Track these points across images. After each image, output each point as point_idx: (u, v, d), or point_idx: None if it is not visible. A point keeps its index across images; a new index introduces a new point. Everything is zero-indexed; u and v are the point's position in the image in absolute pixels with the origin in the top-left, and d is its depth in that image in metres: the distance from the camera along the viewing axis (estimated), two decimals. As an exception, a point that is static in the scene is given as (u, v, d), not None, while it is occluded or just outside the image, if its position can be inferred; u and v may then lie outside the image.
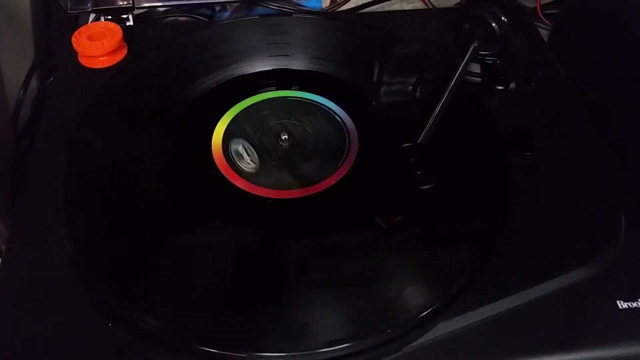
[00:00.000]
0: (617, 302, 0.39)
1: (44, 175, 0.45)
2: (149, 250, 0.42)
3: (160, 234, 0.43)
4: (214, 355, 0.36)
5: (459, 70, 0.50)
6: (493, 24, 0.53)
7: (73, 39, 0.54)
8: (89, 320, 0.37)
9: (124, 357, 0.36)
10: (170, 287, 0.39)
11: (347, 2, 0.69)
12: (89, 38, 0.54)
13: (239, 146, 0.46)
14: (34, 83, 0.60)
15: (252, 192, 0.45)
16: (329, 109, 0.51)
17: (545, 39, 0.62)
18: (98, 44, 0.54)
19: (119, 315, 0.38)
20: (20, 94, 0.58)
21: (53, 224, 0.42)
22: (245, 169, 0.46)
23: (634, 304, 0.39)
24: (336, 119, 0.50)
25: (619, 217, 0.43)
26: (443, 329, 0.37)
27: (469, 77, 0.53)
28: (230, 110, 0.51)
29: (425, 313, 0.37)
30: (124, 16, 0.60)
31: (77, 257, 0.40)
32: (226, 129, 0.49)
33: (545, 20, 0.65)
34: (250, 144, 0.48)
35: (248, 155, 0.46)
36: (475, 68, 0.54)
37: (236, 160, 0.46)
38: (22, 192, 0.45)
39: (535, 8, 0.66)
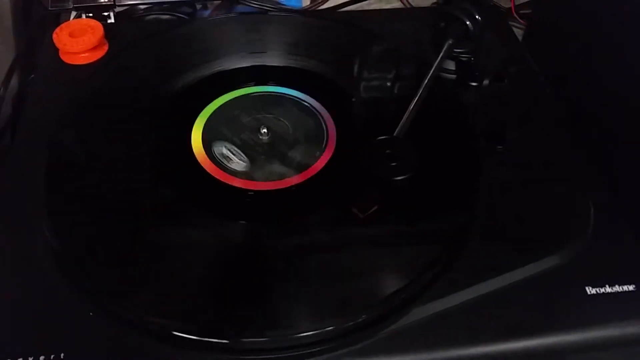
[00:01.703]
0: (586, 288, 0.40)
1: (25, 170, 0.45)
2: (129, 240, 0.42)
3: (141, 226, 0.43)
4: (196, 343, 0.36)
5: (434, 67, 0.51)
6: (467, 22, 0.54)
7: (54, 35, 0.54)
8: (69, 311, 0.38)
9: (105, 346, 0.37)
10: (151, 276, 0.40)
11: (327, 1, 0.70)
12: (70, 35, 0.55)
13: (222, 149, 0.47)
14: (15, 80, 0.60)
15: (232, 184, 0.45)
16: (307, 103, 0.52)
17: (520, 38, 0.63)
18: (79, 40, 0.54)
19: (99, 304, 0.38)
20: (1, 90, 0.58)
21: (34, 218, 0.42)
22: (236, 169, 0.46)
23: (602, 290, 0.40)
24: (314, 113, 0.51)
25: (588, 206, 0.44)
26: (417, 314, 0.38)
27: (443, 74, 0.54)
28: (210, 105, 0.51)
29: (399, 299, 0.38)
30: (105, 13, 0.61)
31: (58, 248, 0.40)
32: (205, 124, 0.50)
33: (519, 19, 0.67)
34: (231, 142, 0.49)
35: (234, 154, 0.47)
36: (450, 65, 0.55)
37: (225, 163, 0.47)
38: (3, 187, 0.45)
39: (510, 8, 0.67)
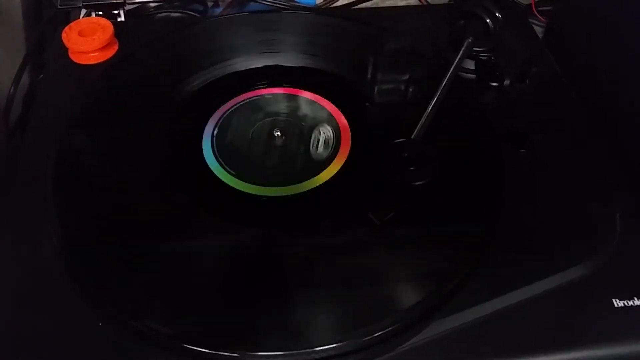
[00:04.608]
0: (613, 300, 0.39)
1: (33, 172, 0.44)
2: (140, 249, 0.41)
3: (151, 233, 0.42)
4: (205, 355, 0.35)
5: (453, 66, 0.50)
6: (487, 20, 0.53)
7: (63, 34, 0.53)
8: (79, 320, 0.37)
9: (114, 357, 0.36)
10: (161, 286, 0.39)
11: (340, -2, 0.68)
12: (80, 34, 0.54)
13: (319, 135, 0.46)
14: (25, 79, 0.59)
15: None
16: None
17: (540, 35, 0.62)
18: (89, 39, 0.53)
19: (109, 315, 0.37)
20: (12, 90, 0.57)
21: (42, 222, 0.41)
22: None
23: (630, 302, 0.39)
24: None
25: (615, 215, 0.43)
26: (437, 328, 0.37)
27: (463, 74, 0.52)
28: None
29: (419, 312, 0.37)
30: (115, 12, 0.60)
31: (66, 255, 0.40)
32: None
33: (539, 16, 0.65)
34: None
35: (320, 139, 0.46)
36: (470, 64, 0.53)
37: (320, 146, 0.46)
38: (12, 189, 0.44)
39: (530, 5, 0.65)
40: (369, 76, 0.54)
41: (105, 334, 0.36)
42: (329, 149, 0.46)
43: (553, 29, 0.63)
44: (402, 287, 0.39)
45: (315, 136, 0.47)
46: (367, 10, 0.66)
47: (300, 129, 0.49)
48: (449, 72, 0.49)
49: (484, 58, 0.54)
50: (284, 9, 0.62)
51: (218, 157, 0.46)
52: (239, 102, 0.51)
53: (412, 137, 0.46)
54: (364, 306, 0.38)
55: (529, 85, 0.52)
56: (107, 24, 0.55)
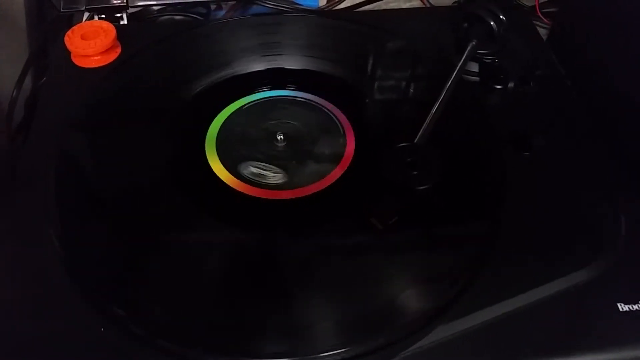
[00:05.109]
0: (618, 304, 0.38)
1: (35, 175, 0.44)
2: (141, 252, 0.41)
3: (153, 235, 0.42)
4: (207, 360, 0.35)
5: (457, 69, 0.49)
6: (491, 23, 0.52)
7: (66, 38, 0.53)
8: (80, 324, 0.37)
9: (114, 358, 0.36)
10: (163, 291, 0.39)
11: (344, 0, 0.68)
12: (82, 37, 0.54)
13: (252, 169, 0.45)
14: (28, 82, 0.59)
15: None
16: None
17: (544, 37, 0.61)
18: (91, 43, 0.53)
19: (111, 319, 0.37)
20: (14, 93, 0.58)
21: (44, 224, 0.41)
22: (276, 182, 0.45)
23: (635, 307, 0.38)
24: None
25: (619, 218, 0.42)
26: (442, 332, 0.37)
27: (467, 76, 0.52)
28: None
29: (423, 317, 0.37)
30: (118, 15, 0.60)
31: (68, 258, 0.39)
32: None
33: (544, 18, 0.65)
34: (255, 158, 0.47)
35: (266, 170, 0.45)
36: (474, 67, 0.53)
37: (261, 181, 0.45)
38: (13, 191, 0.44)
39: (534, 6, 0.65)
40: (372, 79, 0.54)
41: (105, 336, 0.36)
42: (253, 179, 0.45)
43: (557, 31, 0.63)
44: (406, 291, 0.39)
45: (269, 167, 0.46)
46: (370, 12, 0.66)
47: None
48: (453, 75, 0.49)
49: (487, 61, 0.53)
50: (286, 11, 0.61)
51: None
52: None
53: (416, 141, 0.45)
54: (368, 311, 0.37)
55: (533, 88, 0.52)
56: (109, 27, 0.55)
